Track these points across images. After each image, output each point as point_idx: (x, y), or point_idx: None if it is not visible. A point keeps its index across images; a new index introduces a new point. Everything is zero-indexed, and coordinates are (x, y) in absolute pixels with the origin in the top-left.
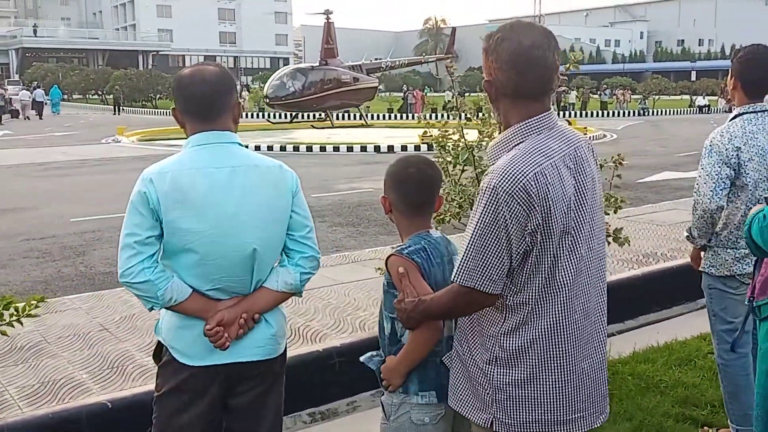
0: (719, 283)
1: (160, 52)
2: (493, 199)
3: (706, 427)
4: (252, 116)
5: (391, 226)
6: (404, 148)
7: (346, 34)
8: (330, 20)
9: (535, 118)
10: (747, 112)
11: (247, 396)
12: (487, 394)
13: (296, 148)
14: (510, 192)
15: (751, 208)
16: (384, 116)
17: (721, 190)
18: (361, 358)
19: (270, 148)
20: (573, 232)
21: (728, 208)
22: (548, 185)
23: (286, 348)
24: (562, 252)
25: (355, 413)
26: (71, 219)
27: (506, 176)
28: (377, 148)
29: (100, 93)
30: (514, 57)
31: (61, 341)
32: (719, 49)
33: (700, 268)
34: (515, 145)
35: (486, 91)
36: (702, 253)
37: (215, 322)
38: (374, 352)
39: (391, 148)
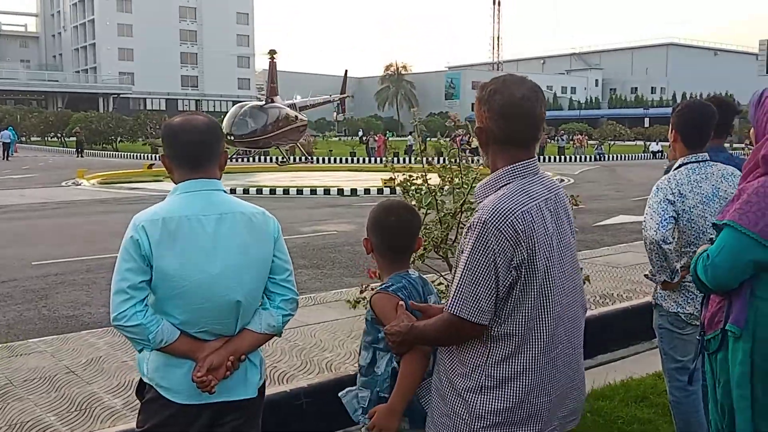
0: (667, 323)
1: (121, 95)
2: (483, 233)
3: None
4: None
5: (355, 268)
6: (367, 191)
7: (310, 79)
8: (274, 60)
9: (521, 163)
10: (690, 162)
11: (228, 427)
12: (466, 423)
13: (260, 191)
14: (499, 227)
15: (694, 251)
16: (346, 160)
17: (666, 222)
18: (340, 394)
19: (233, 191)
20: (554, 269)
21: (679, 253)
22: (533, 224)
23: (264, 383)
24: (544, 286)
25: None
26: (33, 262)
27: (495, 213)
28: (341, 191)
29: (59, 135)
30: (505, 108)
31: (27, 384)
32: (671, 97)
33: (652, 300)
34: (502, 186)
35: (477, 137)
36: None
37: (205, 369)
38: (350, 388)
39: (354, 191)
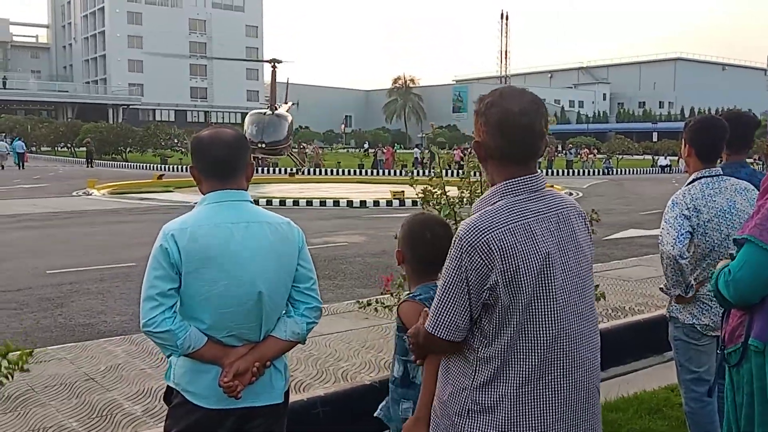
0: (683, 335)
1: (130, 106)
2: (457, 249)
3: None
4: None
5: (367, 279)
6: (376, 203)
7: (319, 92)
8: (275, 68)
9: (517, 179)
10: (704, 176)
11: None
12: None
13: (269, 202)
14: (472, 244)
15: (710, 263)
16: (355, 172)
17: (683, 237)
18: (376, 414)
19: None
20: (549, 292)
21: (693, 266)
22: (515, 243)
23: (288, 389)
24: (534, 310)
25: None
26: (47, 271)
27: (471, 229)
28: (350, 203)
29: (69, 146)
30: (502, 123)
31: (48, 390)
32: (679, 111)
33: (666, 313)
34: (493, 203)
35: (475, 152)
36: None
37: (232, 375)
38: (383, 404)
39: (363, 203)
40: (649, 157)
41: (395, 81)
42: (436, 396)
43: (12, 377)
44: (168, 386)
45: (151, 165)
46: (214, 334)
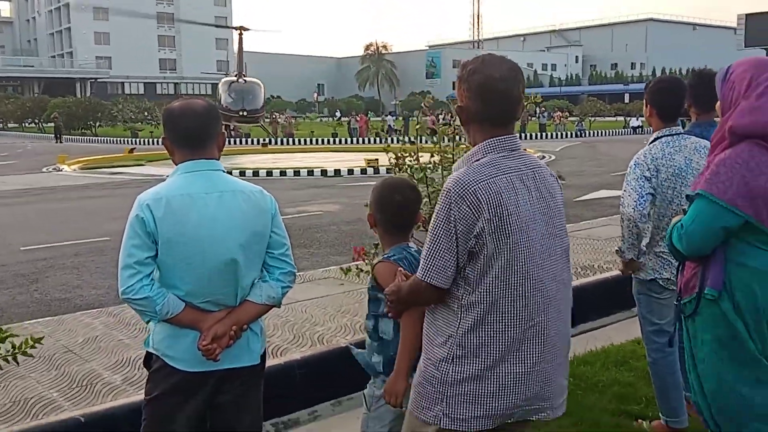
0: (645, 289)
1: (98, 80)
2: (446, 201)
3: (640, 420)
4: None
5: (341, 247)
6: (350, 171)
7: (290, 60)
8: (242, 35)
9: (497, 138)
10: (664, 135)
11: (231, 394)
12: (438, 391)
13: (242, 173)
14: (461, 195)
15: (667, 221)
16: (328, 140)
17: (643, 200)
18: (353, 353)
19: None
20: (527, 243)
21: (655, 224)
22: (500, 195)
23: (265, 351)
24: (514, 259)
25: (316, 422)
26: (21, 247)
27: (459, 182)
28: (324, 172)
29: (37, 121)
30: (483, 88)
31: (26, 363)
32: (651, 72)
33: (630, 273)
34: (476, 160)
35: (458, 115)
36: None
37: (210, 338)
38: (361, 351)
39: (337, 172)
40: (621, 118)
41: (367, 48)
42: (423, 349)
43: (17, 362)
44: (147, 352)
45: (122, 139)
46: (191, 300)
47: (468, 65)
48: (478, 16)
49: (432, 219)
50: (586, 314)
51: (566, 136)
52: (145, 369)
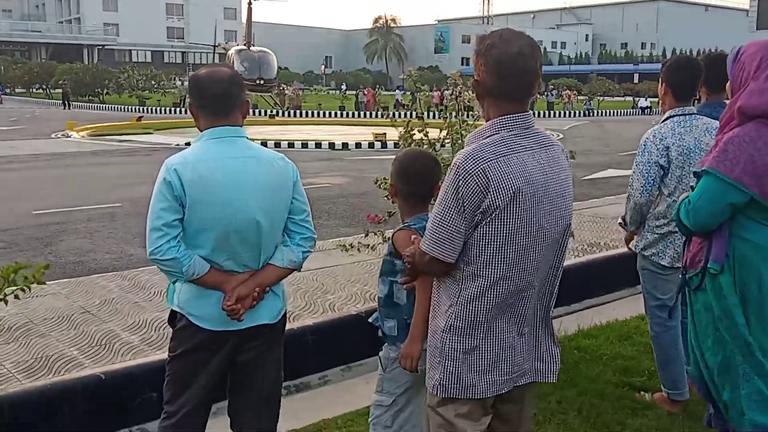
0: (649, 264)
1: (105, 47)
2: (455, 176)
3: (642, 392)
4: None
5: (350, 219)
6: (358, 145)
7: (298, 32)
8: (251, 4)
9: (511, 115)
10: (677, 115)
11: (253, 352)
12: (437, 360)
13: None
14: (469, 171)
15: (674, 199)
16: (335, 113)
17: (650, 185)
18: (370, 320)
19: None
20: (532, 220)
21: (657, 198)
22: (509, 173)
23: (286, 312)
24: (517, 235)
25: (326, 386)
26: (33, 211)
27: (469, 158)
28: (332, 145)
29: (44, 87)
30: (500, 63)
31: (46, 322)
32: (661, 53)
33: (633, 248)
34: (488, 136)
35: (474, 89)
36: (635, 236)
37: (234, 299)
38: (376, 315)
39: (345, 145)
40: (630, 98)
41: (376, 21)
42: (429, 317)
43: (30, 289)
44: (172, 310)
45: (130, 107)
46: (215, 259)
47: (486, 39)
48: None
49: (440, 193)
50: (592, 290)
51: (574, 115)
52: (169, 326)
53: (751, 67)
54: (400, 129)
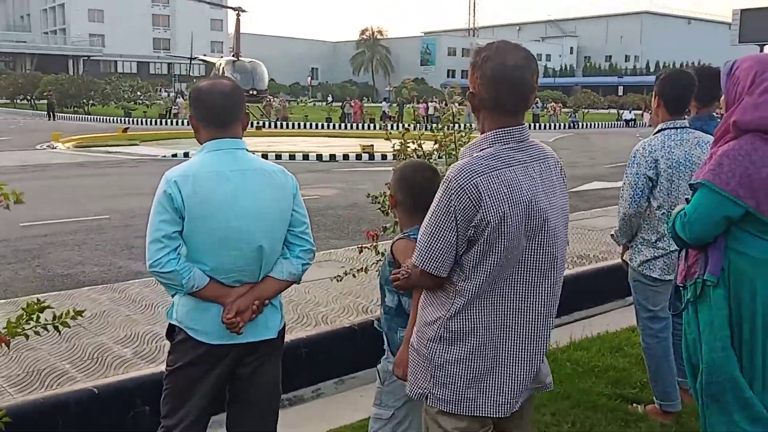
0: (640, 277)
1: (91, 58)
2: (446, 191)
3: (634, 404)
4: (187, 123)
5: (340, 231)
6: (346, 156)
7: (285, 43)
8: (240, 15)
9: (506, 129)
10: (668, 128)
11: (252, 366)
12: (426, 370)
13: None
14: (462, 185)
15: (663, 211)
16: (322, 125)
17: (638, 197)
18: (375, 326)
19: None
20: (527, 235)
21: (646, 211)
22: (502, 188)
23: (284, 326)
24: (512, 250)
25: (320, 399)
26: (20, 223)
27: (461, 172)
28: (319, 157)
29: (29, 98)
30: (497, 76)
31: (36, 336)
32: (645, 66)
33: (625, 258)
34: (482, 149)
35: (469, 102)
36: (627, 250)
37: (234, 312)
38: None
39: (333, 157)
40: (615, 111)
41: (363, 33)
42: (416, 324)
43: (58, 330)
44: (170, 324)
45: (115, 118)
46: (216, 276)
47: (482, 52)
48: (474, 3)
49: (432, 206)
50: (581, 302)
51: (559, 127)
52: (167, 340)
53: (745, 82)
54: (395, 141)
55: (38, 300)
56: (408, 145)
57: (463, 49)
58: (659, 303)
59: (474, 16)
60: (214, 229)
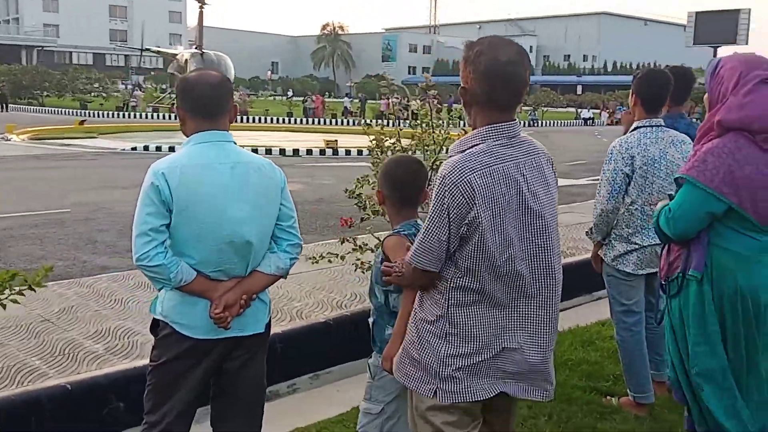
0: (614, 272)
1: (45, 48)
2: (441, 188)
3: (608, 396)
4: (145, 116)
5: (308, 226)
6: (309, 151)
7: (244, 36)
8: (203, 8)
9: (497, 125)
10: (643, 126)
11: (239, 361)
12: (432, 367)
13: None
14: (455, 183)
15: (637, 207)
16: (284, 120)
17: (616, 193)
18: (369, 319)
19: (171, 148)
20: (520, 230)
21: (625, 212)
22: (494, 184)
23: (270, 320)
24: (505, 246)
25: (295, 394)
26: None
27: (455, 169)
28: (282, 152)
29: None
30: (490, 70)
31: (4, 331)
32: (602, 65)
33: (599, 254)
34: (473, 145)
35: (461, 97)
36: (602, 246)
37: (222, 307)
38: (371, 318)
39: (296, 152)
40: (573, 109)
41: (324, 27)
42: (410, 320)
43: (33, 289)
44: (154, 318)
45: (71, 110)
46: (203, 269)
47: (474, 47)
48: (435, 1)
49: (430, 204)
50: None
51: (520, 125)
52: (151, 335)
53: (729, 82)
54: (372, 137)
55: (7, 270)
56: (384, 140)
57: (424, 46)
58: (633, 297)
59: (435, 13)
60: (201, 222)
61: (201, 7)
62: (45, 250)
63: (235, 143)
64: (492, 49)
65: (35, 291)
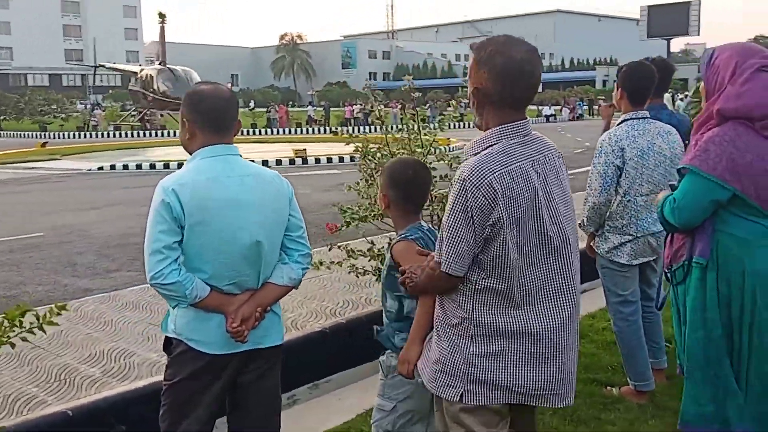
0: (609, 263)
1: None
2: (462, 190)
3: (609, 387)
4: (107, 135)
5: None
6: (279, 161)
7: (203, 50)
8: (164, 23)
9: (512, 124)
10: (631, 118)
11: (254, 374)
12: (459, 369)
13: (167, 166)
14: (477, 184)
15: (629, 198)
16: (248, 131)
17: (608, 185)
18: (375, 337)
19: (138, 166)
20: (541, 228)
21: (618, 203)
22: (513, 184)
23: (284, 332)
24: (528, 244)
25: (295, 406)
26: None
27: (475, 171)
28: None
29: None
30: (506, 69)
31: (24, 343)
32: (560, 62)
33: (593, 246)
34: (490, 146)
35: (472, 97)
36: (595, 239)
37: (239, 320)
38: (381, 327)
39: (265, 163)
40: (534, 107)
41: (282, 37)
42: (436, 330)
43: (44, 330)
44: (167, 337)
45: (30, 133)
46: (216, 284)
47: (486, 47)
48: (392, 6)
49: (447, 207)
50: None
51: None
52: (164, 353)
53: (726, 72)
54: (359, 144)
55: (18, 306)
56: (371, 147)
57: (383, 51)
58: (629, 287)
59: (392, 18)
60: (213, 236)
61: (162, 23)
62: (23, 275)
63: (241, 156)
64: (506, 48)
65: (45, 333)
